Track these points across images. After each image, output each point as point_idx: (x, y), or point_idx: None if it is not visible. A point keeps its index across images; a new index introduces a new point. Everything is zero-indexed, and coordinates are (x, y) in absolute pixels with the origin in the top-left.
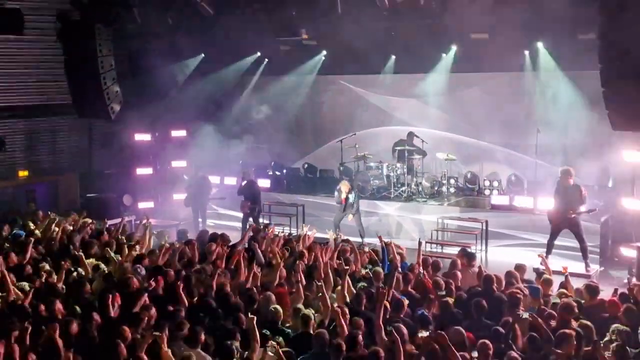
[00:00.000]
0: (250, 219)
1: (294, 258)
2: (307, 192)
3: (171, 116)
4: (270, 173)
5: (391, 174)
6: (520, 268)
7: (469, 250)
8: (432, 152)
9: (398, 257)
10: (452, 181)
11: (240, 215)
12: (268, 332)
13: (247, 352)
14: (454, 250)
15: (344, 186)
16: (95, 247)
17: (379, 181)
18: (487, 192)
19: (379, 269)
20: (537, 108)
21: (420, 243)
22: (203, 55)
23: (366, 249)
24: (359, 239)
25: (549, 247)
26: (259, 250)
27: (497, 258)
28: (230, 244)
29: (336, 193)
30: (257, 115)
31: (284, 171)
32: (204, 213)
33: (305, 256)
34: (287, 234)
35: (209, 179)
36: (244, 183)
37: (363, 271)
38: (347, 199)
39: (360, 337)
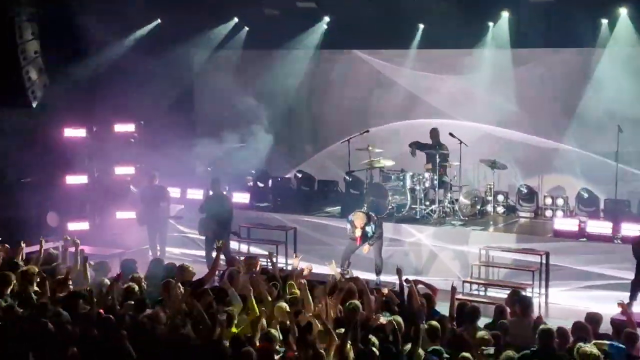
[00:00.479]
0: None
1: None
2: (301, 210)
3: (115, 105)
4: (251, 184)
5: (417, 187)
6: (593, 318)
7: (522, 293)
8: (473, 156)
9: (423, 301)
10: (500, 198)
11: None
12: None
13: None
14: (502, 294)
15: (358, 219)
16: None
17: (399, 196)
18: (548, 213)
19: (399, 318)
20: (617, 97)
21: (453, 288)
22: (159, 21)
23: (384, 290)
24: (373, 275)
25: (635, 289)
26: (233, 290)
27: (561, 304)
28: (195, 279)
29: (348, 226)
30: (235, 106)
31: (270, 182)
32: (163, 236)
33: (299, 302)
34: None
35: (167, 190)
36: (210, 194)
37: (383, 319)
38: (364, 234)
39: None
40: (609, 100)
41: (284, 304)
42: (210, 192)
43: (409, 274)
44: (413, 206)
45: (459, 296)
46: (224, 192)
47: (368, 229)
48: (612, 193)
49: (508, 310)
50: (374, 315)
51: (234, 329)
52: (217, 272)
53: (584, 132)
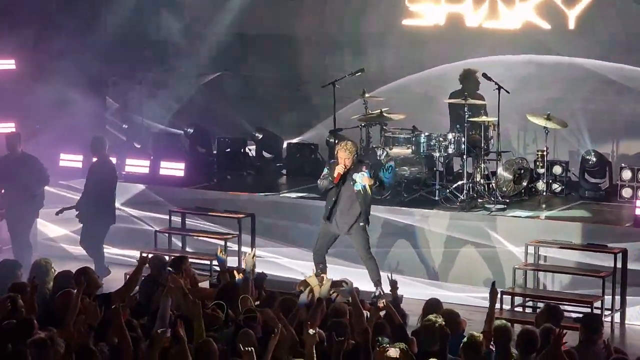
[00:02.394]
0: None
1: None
2: (262, 187)
3: None
4: (187, 149)
5: (436, 153)
6: None
7: (592, 312)
8: (517, 109)
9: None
10: (556, 170)
11: None
12: None
13: None
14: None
15: (345, 151)
16: None
17: (410, 167)
18: (625, 192)
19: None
20: None
21: (494, 291)
22: None
23: (381, 303)
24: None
25: None
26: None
27: None
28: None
29: (325, 170)
30: (161, 26)
31: (215, 145)
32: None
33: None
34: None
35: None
36: (94, 161)
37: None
38: (344, 179)
39: None
40: None
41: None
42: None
43: (424, 284)
44: (430, 182)
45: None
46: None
47: (357, 178)
48: None
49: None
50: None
51: None
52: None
53: None
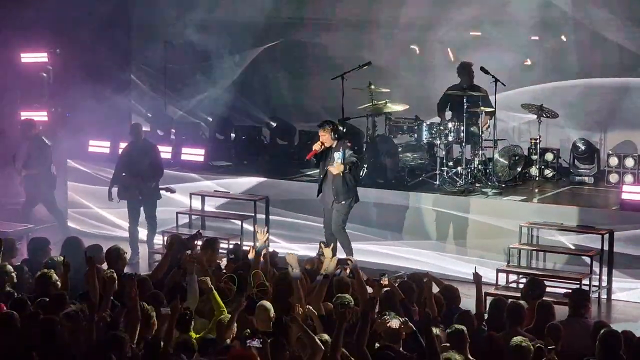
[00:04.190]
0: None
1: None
2: (276, 172)
3: (20, 26)
4: (206, 136)
5: (437, 140)
6: None
7: (579, 288)
8: (512, 102)
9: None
10: (548, 157)
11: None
12: None
13: None
14: (551, 287)
15: (324, 132)
16: None
17: (413, 154)
18: (612, 177)
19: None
20: None
21: (477, 276)
22: None
23: (384, 279)
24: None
25: None
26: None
27: (629, 301)
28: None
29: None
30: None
31: (233, 133)
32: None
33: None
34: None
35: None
36: (128, 147)
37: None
38: (326, 156)
39: None
40: None
41: (267, 304)
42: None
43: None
44: (431, 168)
45: (491, 290)
46: (148, 140)
47: (336, 156)
48: None
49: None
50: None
51: (192, 334)
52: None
53: None
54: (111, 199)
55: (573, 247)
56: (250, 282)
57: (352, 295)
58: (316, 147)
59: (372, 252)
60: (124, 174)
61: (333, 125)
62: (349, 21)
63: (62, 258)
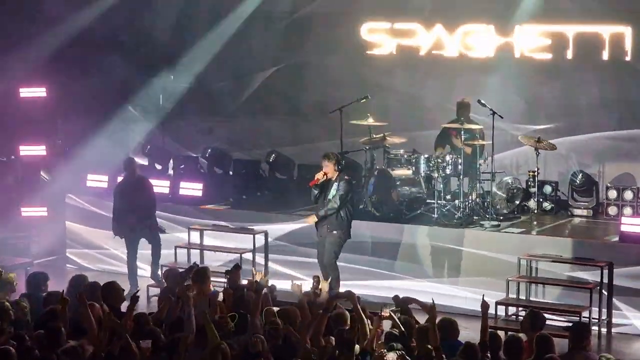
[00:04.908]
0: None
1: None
2: (275, 206)
3: (19, 60)
4: (204, 170)
5: (434, 174)
6: None
7: (580, 321)
8: (509, 134)
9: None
10: (547, 189)
11: None
12: None
13: None
14: (550, 320)
15: (328, 161)
16: None
17: (411, 188)
18: (611, 210)
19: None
20: None
21: (485, 305)
22: None
23: (385, 311)
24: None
25: None
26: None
27: (629, 334)
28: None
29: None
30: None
31: (231, 166)
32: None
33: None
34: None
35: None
36: (120, 179)
37: (390, 355)
38: (327, 187)
39: None
40: None
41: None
42: (119, 178)
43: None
44: (429, 201)
45: (490, 323)
46: (143, 176)
47: (333, 188)
48: None
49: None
50: (375, 349)
51: None
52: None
53: None
54: (115, 235)
55: (572, 280)
56: (252, 322)
57: (352, 328)
58: (319, 176)
59: (368, 285)
60: (122, 213)
61: (337, 156)
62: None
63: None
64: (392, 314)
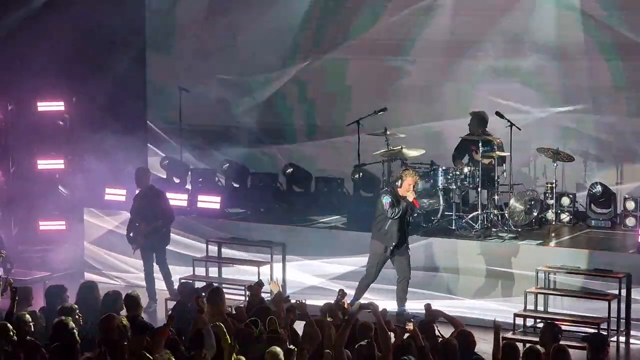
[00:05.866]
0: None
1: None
2: (292, 219)
3: (37, 75)
4: (222, 183)
5: (452, 186)
6: None
7: (598, 332)
8: (528, 145)
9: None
10: (565, 201)
11: None
12: None
13: None
14: (569, 332)
15: (409, 177)
16: None
17: (429, 200)
18: (629, 221)
19: None
20: None
21: (497, 326)
22: None
23: (409, 326)
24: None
25: None
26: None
27: None
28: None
29: (385, 200)
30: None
31: (249, 180)
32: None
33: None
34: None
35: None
36: (138, 193)
37: None
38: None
39: None
40: None
41: (277, 349)
42: (137, 190)
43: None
44: (447, 213)
45: (509, 335)
46: (155, 186)
47: (385, 200)
48: None
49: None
50: None
51: None
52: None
53: None
54: (133, 248)
55: (590, 291)
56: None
57: (375, 340)
58: (411, 197)
59: (387, 296)
60: (136, 223)
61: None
62: None
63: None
64: (417, 328)
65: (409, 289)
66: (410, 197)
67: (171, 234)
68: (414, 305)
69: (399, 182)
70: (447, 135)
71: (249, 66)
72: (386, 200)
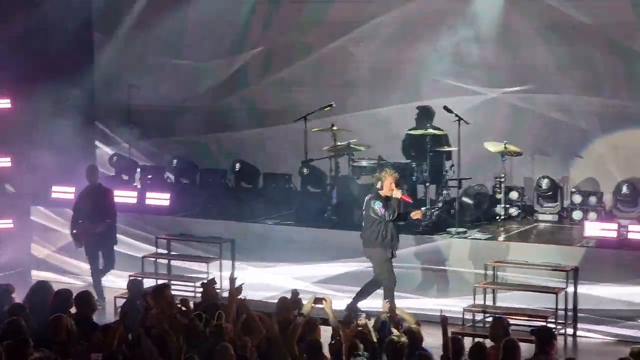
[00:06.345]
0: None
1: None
2: (241, 215)
3: None
4: (171, 180)
5: (401, 181)
6: (638, 355)
7: (546, 326)
8: (475, 139)
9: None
10: (513, 195)
11: None
12: None
13: None
14: (517, 326)
15: (389, 176)
16: None
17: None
18: (576, 215)
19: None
20: None
21: (444, 319)
22: None
23: (361, 319)
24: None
25: None
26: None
27: (595, 338)
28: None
29: (376, 205)
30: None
31: (198, 177)
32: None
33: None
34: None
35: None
36: (83, 190)
37: None
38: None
39: None
40: None
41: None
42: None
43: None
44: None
45: (457, 329)
46: (103, 184)
47: (377, 205)
48: None
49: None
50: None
51: None
52: None
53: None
54: (77, 245)
55: (539, 285)
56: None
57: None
58: (398, 194)
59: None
60: (80, 220)
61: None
62: None
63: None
64: (368, 323)
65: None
66: (397, 194)
67: (120, 231)
68: (368, 303)
69: (379, 184)
70: (395, 124)
71: (199, 53)
72: (378, 205)
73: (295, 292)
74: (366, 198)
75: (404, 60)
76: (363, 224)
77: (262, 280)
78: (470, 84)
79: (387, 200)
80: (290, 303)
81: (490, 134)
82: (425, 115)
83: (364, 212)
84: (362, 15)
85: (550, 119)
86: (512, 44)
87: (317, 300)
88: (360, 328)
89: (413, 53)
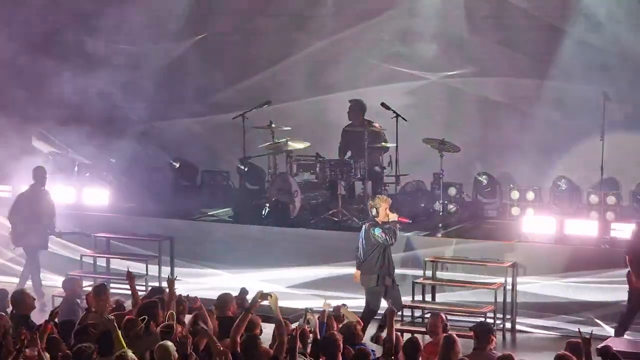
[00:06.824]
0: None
1: None
2: (179, 212)
3: None
4: (110, 178)
5: (339, 178)
6: (575, 349)
7: (484, 321)
8: (413, 135)
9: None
10: (451, 191)
11: None
12: None
13: None
14: (456, 322)
15: (383, 202)
16: None
17: (315, 192)
18: (514, 210)
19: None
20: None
21: (391, 311)
22: None
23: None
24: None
25: (623, 324)
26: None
27: (533, 332)
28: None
29: (376, 231)
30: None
31: (137, 174)
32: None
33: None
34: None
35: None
36: (23, 191)
37: None
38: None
39: None
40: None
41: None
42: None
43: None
44: (333, 205)
45: (397, 326)
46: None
47: (377, 232)
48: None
49: (456, 342)
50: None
51: None
52: None
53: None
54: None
55: (477, 281)
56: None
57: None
58: (394, 217)
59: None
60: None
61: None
62: None
63: None
64: (312, 317)
65: None
66: (394, 217)
67: (59, 229)
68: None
69: (374, 211)
70: (334, 115)
71: (140, 40)
72: (378, 231)
73: (244, 291)
74: (363, 227)
75: (343, 47)
76: (362, 254)
77: (203, 279)
78: (410, 69)
79: (384, 226)
80: (237, 300)
81: (430, 124)
82: (358, 108)
83: (363, 242)
84: (306, 4)
85: (493, 103)
86: (453, 29)
87: (263, 296)
88: (303, 327)
89: (352, 40)
